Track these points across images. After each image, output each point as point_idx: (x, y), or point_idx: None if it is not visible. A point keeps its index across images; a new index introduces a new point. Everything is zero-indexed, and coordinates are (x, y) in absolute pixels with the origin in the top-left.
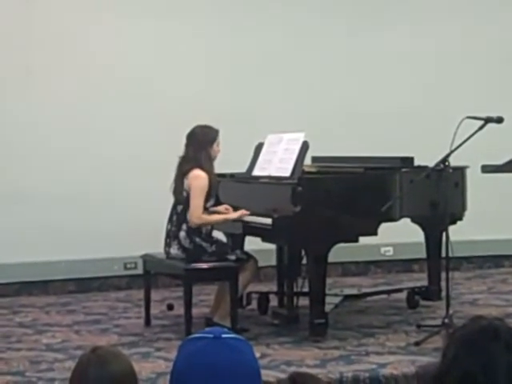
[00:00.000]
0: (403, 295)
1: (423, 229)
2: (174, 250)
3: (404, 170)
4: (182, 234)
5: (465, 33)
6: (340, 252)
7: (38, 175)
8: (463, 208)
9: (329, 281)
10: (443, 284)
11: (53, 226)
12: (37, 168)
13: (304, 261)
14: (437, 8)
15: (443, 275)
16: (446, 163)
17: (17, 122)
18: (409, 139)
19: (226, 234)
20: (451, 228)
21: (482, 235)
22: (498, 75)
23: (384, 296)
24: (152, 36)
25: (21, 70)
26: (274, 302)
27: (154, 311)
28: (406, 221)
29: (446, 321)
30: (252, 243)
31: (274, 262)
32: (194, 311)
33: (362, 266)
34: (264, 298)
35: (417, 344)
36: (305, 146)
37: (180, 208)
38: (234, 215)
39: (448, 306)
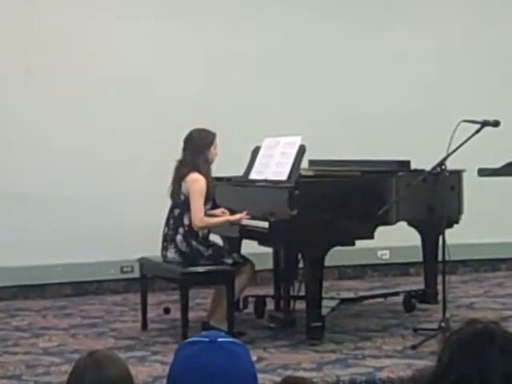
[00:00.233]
0: (400, 299)
1: (420, 232)
2: (171, 254)
3: (400, 173)
4: (179, 237)
5: (465, 33)
6: (336, 255)
7: (38, 175)
8: (460, 211)
9: (325, 284)
10: (440, 287)
11: (50, 229)
12: (36, 168)
13: (301, 264)
14: (437, 8)
15: (440, 279)
16: (443, 167)
17: (17, 121)
18: (407, 141)
19: (223, 238)
20: (448, 231)
21: (478, 239)
22: (498, 75)
23: (380, 299)
24: (152, 36)
25: (21, 70)
26: (270, 305)
27: (150, 315)
28: (403, 224)
29: (443, 324)
30: (249, 247)
31: (270, 266)
32: (191, 315)
33: (358, 269)
34: (261, 301)
35: (413, 347)
36: (301, 150)
37: (177, 211)
38: (235, 217)
39: (444, 309)
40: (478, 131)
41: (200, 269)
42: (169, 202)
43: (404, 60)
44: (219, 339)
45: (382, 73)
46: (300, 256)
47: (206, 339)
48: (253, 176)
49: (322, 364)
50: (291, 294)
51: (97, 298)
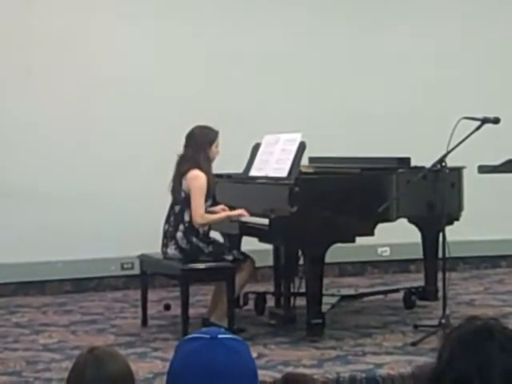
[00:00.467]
0: (400, 295)
1: (420, 229)
2: (171, 251)
3: (401, 170)
4: (179, 234)
5: (465, 33)
6: (337, 252)
7: (38, 175)
8: (460, 208)
9: (326, 281)
10: (440, 284)
11: (50, 226)
12: (36, 168)
13: (301, 261)
14: (437, 8)
15: (440, 275)
16: (443, 164)
17: (17, 122)
18: (407, 140)
19: (223, 235)
20: (448, 228)
21: (478, 235)
22: (498, 75)
23: (381, 296)
24: (152, 36)
25: (21, 70)
26: (270, 302)
27: (150, 311)
28: (403, 221)
29: (443, 321)
30: (249, 243)
31: (270, 263)
32: (191, 311)
33: (358, 266)
34: (261, 298)
35: (413, 344)
36: (302, 147)
37: (177, 208)
38: (235, 212)
39: (445, 306)
40: (478, 128)
41: (200, 265)
42: (169, 200)
43: (404, 60)
44: (220, 336)
45: (382, 73)
46: (300, 253)
47: (207, 336)
48: (253, 173)
49: (323, 361)
50: (291, 290)
51: (97, 295)
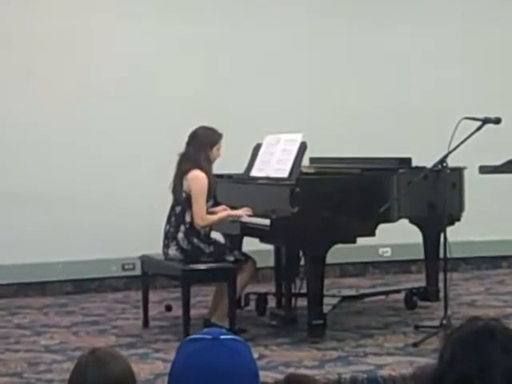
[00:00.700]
0: (401, 296)
1: (421, 230)
2: (172, 251)
3: (401, 170)
4: (181, 235)
5: (465, 33)
6: (338, 253)
7: (38, 175)
8: (461, 209)
9: (327, 282)
10: (441, 285)
11: (50, 226)
12: (36, 168)
13: (302, 262)
14: (437, 8)
15: (441, 276)
16: (444, 164)
17: (17, 121)
18: (408, 139)
19: (224, 235)
20: (449, 229)
21: (479, 236)
22: (498, 75)
23: (382, 297)
24: (152, 36)
25: (21, 70)
26: (272, 302)
27: (152, 312)
28: (404, 222)
29: (444, 322)
30: (250, 244)
31: (272, 263)
32: (192, 312)
33: (359, 266)
34: (262, 298)
35: (415, 345)
36: (303, 147)
37: (178, 209)
38: (236, 212)
39: (446, 306)
40: (479, 128)
41: (201, 266)
42: (169, 200)
43: (404, 60)
44: (221, 336)
45: (382, 73)
46: (301, 253)
47: (209, 336)
48: (254, 173)
49: (324, 361)
50: (292, 291)
51: (98, 296)
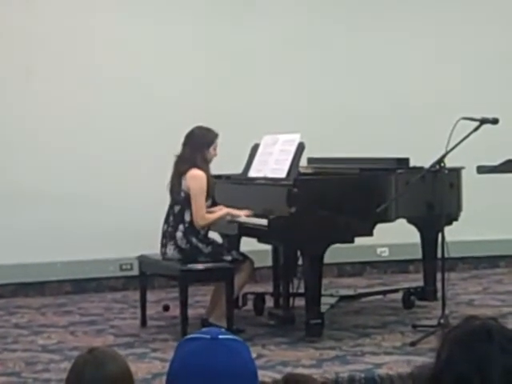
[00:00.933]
0: (399, 296)
1: (419, 229)
2: (170, 251)
3: (399, 171)
4: (179, 234)
5: (465, 33)
6: (336, 253)
7: (38, 175)
8: (459, 209)
9: (324, 281)
10: (439, 284)
11: (49, 226)
12: (37, 168)
13: (300, 261)
14: (437, 8)
15: (439, 276)
16: (442, 164)
17: (17, 121)
18: (407, 139)
19: (222, 235)
20: (447, 228)
21: (477, 236)
22: (498, 75)
23: (380, 296)
24: (152, 36)
25: (21, 70)
26: (269, 302)
27: (149, 312)
28: (402, 221)
29: (442, 321)
30: (248, 244)
31: (269, 263)
32: (190, 312)
33: (357, 266)
34: (260, 298)
35: (412, 344)
36: (300, 147)
37: (177, 208)
38: (237, 212)
39: (444, 306)
40: (476, 128)
41: (199, 266)
42: (167, 200)
43: (404, 60)
44: (220, 336)
45: (382, 73)
46: (299, 253)
47: (207, 336)
48: (252, 173)
49: (322, 361)
50: (290, 291)
51: (96, 296)
